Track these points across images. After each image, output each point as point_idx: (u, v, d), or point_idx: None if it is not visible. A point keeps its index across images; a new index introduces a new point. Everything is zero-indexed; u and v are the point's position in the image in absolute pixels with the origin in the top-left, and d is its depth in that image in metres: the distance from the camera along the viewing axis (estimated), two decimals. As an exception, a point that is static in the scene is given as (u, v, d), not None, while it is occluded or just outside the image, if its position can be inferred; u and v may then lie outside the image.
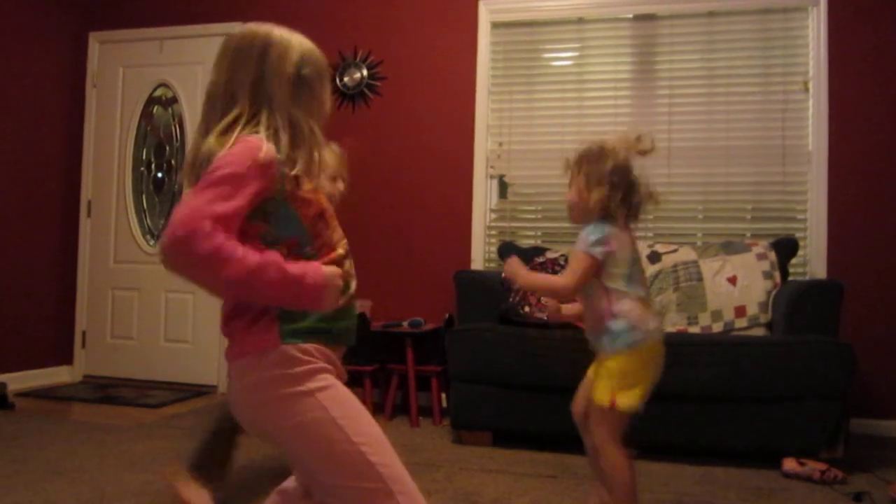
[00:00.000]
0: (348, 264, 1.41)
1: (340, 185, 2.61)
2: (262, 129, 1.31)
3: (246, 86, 1.34)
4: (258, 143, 1.27)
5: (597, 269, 2.12)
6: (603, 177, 2.16)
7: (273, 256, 1.25)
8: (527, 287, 2.14)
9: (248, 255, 1.21)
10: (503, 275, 2.14)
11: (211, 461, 2.45)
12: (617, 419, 2.11)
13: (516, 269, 2.20)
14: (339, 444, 1.28)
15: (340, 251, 1.40)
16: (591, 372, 2.28)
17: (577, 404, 2.29)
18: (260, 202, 1.28)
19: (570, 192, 2.23)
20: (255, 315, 1.31)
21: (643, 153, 2.24)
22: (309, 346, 1.31)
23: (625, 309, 2.12)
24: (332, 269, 1.31)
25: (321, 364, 1.32)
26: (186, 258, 1.17)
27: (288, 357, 1.29)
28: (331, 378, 1.33)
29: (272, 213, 1.31)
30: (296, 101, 1.37)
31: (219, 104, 1.35)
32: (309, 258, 1.33)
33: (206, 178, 1.23)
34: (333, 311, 1.34)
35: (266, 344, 1.29)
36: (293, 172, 1.31)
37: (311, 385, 1.30)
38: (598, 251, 2.11)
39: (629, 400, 2.09)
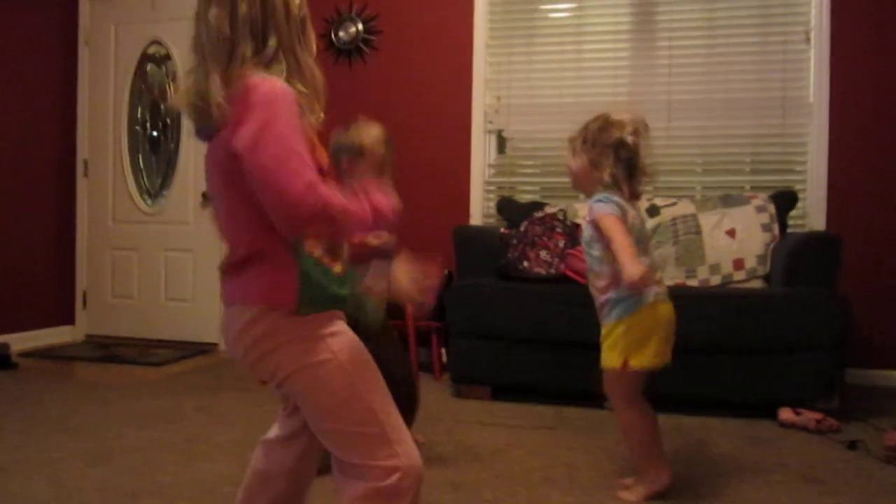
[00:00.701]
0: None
1: (387, 174, 2.50)
2: (277, 69, 1.28)
3: (257, 23, 1.29)
4: (282, 85, 1.25)
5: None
6: (609, 148, 2.18)
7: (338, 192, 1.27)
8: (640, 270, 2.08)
9: (338, 197, 1.25)
10: (631, 284, 2.06)
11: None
12: (630, 380, 2.20)
13: (637, 270, 2.05)
14: (344, 390, 1.30)
15: None
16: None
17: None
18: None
19: (575, 161, 2.25)
20: (276, 268, 1.29)
21: (643, 138, 2.24)
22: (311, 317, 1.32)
23: (615, 280, 2.16)
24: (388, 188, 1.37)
25: (331, 320, 1.34)
26: (314, 221, 1.22)
27: (302, 319, 1.31)
28: (342, 325, 1.35)
29: None
30: (300, 41, 1.34)
31: (224, 41, 1.29)
32: None
33: (269, 130, 1.19)
34: (341, 280, 1.35)
35: (283, 301, 1.28)
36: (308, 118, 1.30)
37: (322, 331, 1.31)
38: (619, 214, 2.15)
39: (641, 360, 2.16)
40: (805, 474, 2.43)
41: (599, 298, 2.24)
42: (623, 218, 2.15)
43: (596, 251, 2.22)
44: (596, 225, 2.18)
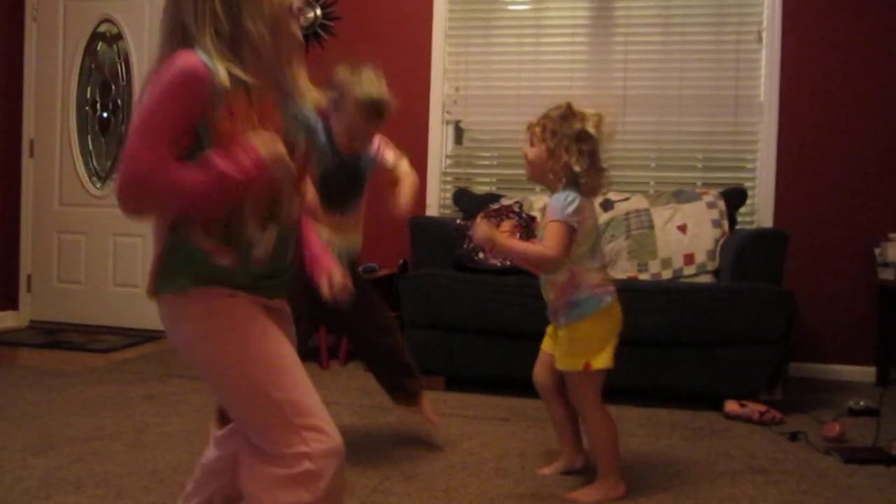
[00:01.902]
0: (260, 226, 1.34)
1: (372, 129, 2.53)
2: (204, 40, 1.24)
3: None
4: (192, 59, 1.22)
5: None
6: (569, 139, 2.14)
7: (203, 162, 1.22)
8: (509, 254, 2.13)
9: (181, 170, 1.21)
10: (474, 239, 2.12)
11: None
12: (594, 380, 2.19)
13: (492, 234, 2.16)
14: (238, 386, 1.30)
15: (248, 210, 1.32)
16: (546, 345, 2.35)
17: (540, 376, 2.37)
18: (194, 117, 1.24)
19: (532, 150, 2.21)
20: (155, 257, 1.34)
21: (604, 133, 2.25)
22: (192, 291, 1.30)
23: (587, 282, 2.16)
24: (265, 137, 1.25)
25: (219, 301, 1.30)
26: (136, 199, 1.24)
27: (172, 302, 1.32)
28: (228, 314, 1.31)
29: (198, 132, 1.25)
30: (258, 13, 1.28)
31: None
32: None
33: (139, 107, 1.23)
34: (234, 274, 1.31)
35: (150, 287, 1.34)
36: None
37: (209, 327, 1.30)
38: (575, 221, 2.12)
39: (602, 361, 2.16)
40: (749, 464, 2.50)
41: (556, 300, 2.21)
42: (580, 220, 2.12)
43: None
44: (546, 224, 2.18)
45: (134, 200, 1.23)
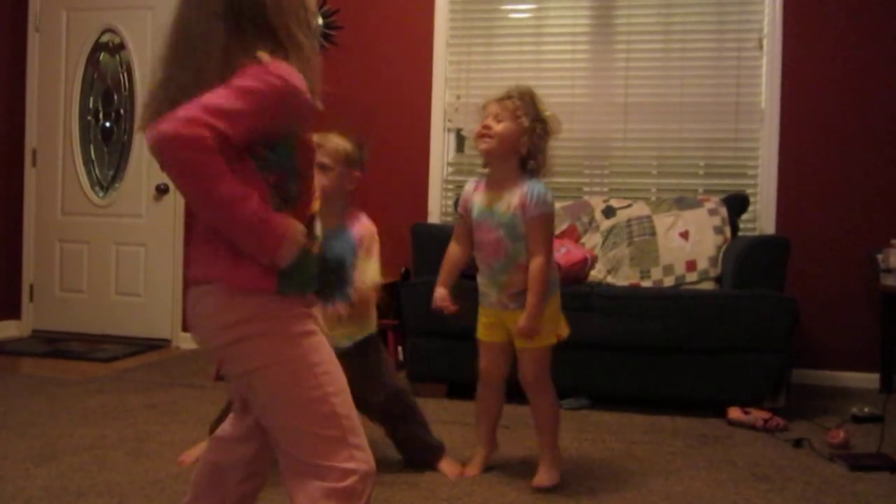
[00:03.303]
0: (318, 219, 1.39)
1: (325, 178, 2.40)
2: (285, 54, 1.27)
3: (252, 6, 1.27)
4: (290, 70, 1.24)
5: None
6: (538, 123, 2.19)
7: (253, 193, 1.22)
8: (542, 308, 2.18)
9: (234, 181, 1.19)
10: (523, 330, 2.17)
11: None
12: (549, 358, 2.28)
13: (535, 318, 2.17)
14: (311, 391, 1.29)
15: (315, 207, 1.37)
16: (491, 335, 2.35)
17: (497, 368, 2.37)
18: (271, 128, 1.25)
19: (502, 124, 2.18)
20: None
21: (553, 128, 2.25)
22: (299, 298, 1.32)
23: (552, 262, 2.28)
24: (298, 225, 1.28)
25: (306, 310, 1.33)
26: (175, 157, 1.17)
27: (276, 300, 1.28)
28: (313, 325, 1.34)
29: (276, 142, 1.27)
30: (297, 19, 1.34)
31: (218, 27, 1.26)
32: (291, 198, 1.29)
33: (229, 83, 1.20)
34: (319, 263, 1.35)
35: (262, 286, 1.27)
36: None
37: (296, 329, 1.30)
38: (553, 211, 2.22)
39: (565, 328, 2.30)
40: (752, 472, 2.49)
41: (522, 286, 2.21)
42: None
43: (524, 237, 2.21)
44: (534, 214, 2.18)
45: (171, 162, 1.19)
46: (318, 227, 1.40)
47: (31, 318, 4.94)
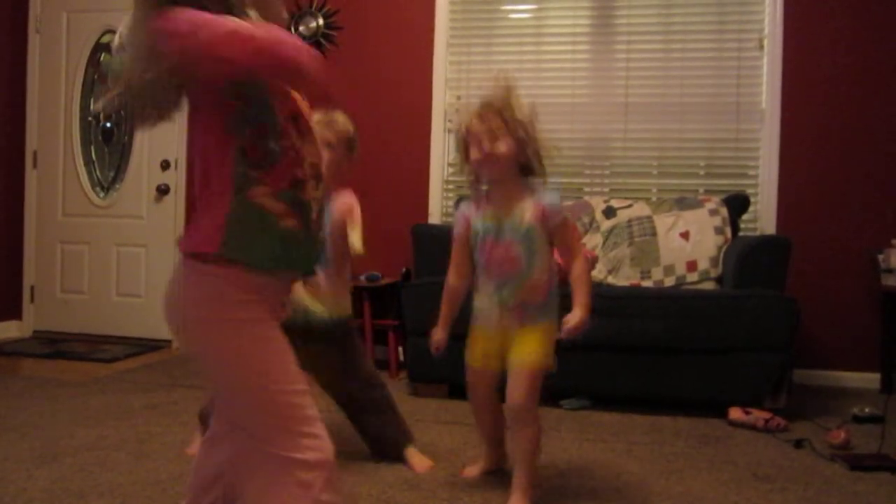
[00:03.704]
0: (315, 187, 1.34)
1: (326, 154, 2.50)
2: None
3: None
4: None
5: None
6: (525, 125, 2.09)
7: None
8: (591, 305, 2.08)
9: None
10: (569, 333, 2.03)
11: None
12: (541, 382, 2.11)
13: (583, 321, 2.04)
14: (259, 379, 1.28)
15: (307, 167, 1.31)
16: (485, 362, 2.21)
17: (486, 393, 2.25)
18: (239, 82, 1.22)
19: (503, 145, 2.07)
20: (214, 215, 1.25)
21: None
22: (252, 276, 1.27)
23: (555, 281, 2.17)
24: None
25: (257, 297, 1.29)
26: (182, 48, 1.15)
27: (229, 280, 1.26)
28: (264, 312, 1.31)
29: (249, 95, 1.24)
30: None
31: None
32: (271, 153, 1.26)
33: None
34: (293, 236, 1.29)
35: (209, 248, 1.24)
36: None
37: (242, 315, 1.28)
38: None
39: (554, 362, 2.15)
40: (753, 472, 2.49)
41: (531, 299, 2.12)
42: None
43: (539, 251, 2.12)
44: (558, 222, 2.11)
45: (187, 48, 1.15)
46: (315, 207, 1.34)
47: (31, 318, 4.95)
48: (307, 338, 2.39)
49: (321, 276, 2.42)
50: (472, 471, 2.38)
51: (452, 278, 2.29)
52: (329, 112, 2.44)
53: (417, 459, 2.47)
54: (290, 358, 1.33)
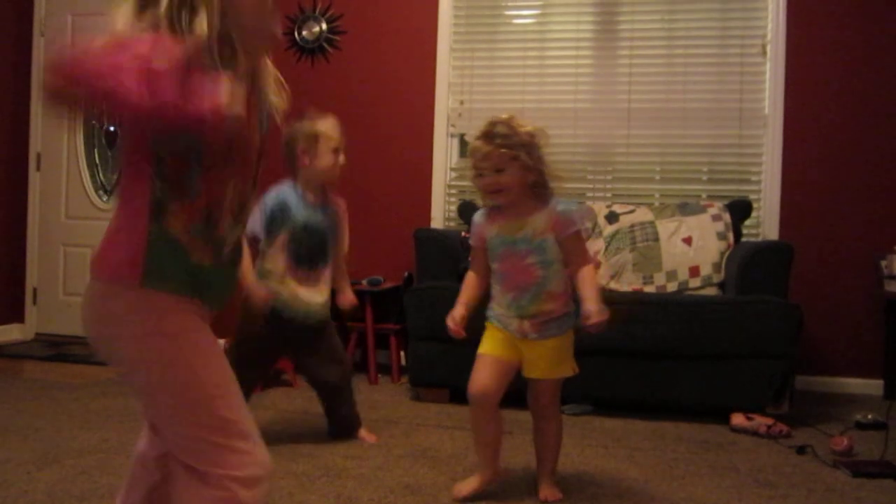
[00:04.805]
0: (232, 224, 1.28)
1: (342, 158, 2.70)
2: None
3: None
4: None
5: None
6: (529, 148, 2.11)
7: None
8: (601, 300, 2.12)
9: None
10: (592, 324, 2.06)
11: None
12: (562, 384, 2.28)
13: (600, 311, 2.07)
14: (191, 393, 1.23)
15: (227, 203, 1.25)
16: (500, 351, 2.23)
17: (494, 386, 2.22)
18: None
19: (504, 175, 2.11)
20: (131, 240, 1.20)
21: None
22: (173, 297, 1.23)
23: (571, 290, 2.22)
24: (233, 87, 1.09)
25: (182, 305, 1.25)
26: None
27: (148, 296, 1.21)
28: (190, 321, 1.25)
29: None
30: None
31: None
32: (189, 189, 1.20)
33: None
34: (201, 271, 1.24)
35: (129, 277, 1.19)
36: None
37: (170, 326, 1.22)
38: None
39: (576, 365, 2.28)
40: (756, 478, 2.48)
41: (551, 311, 2.18)
42: None
43: (555, 262, 2.17)
44: (571, 233, 2.15)
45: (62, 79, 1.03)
46: (228, 244, 1.27)
47: (34, 321, 4.95)
48: (300, 329, 2.68)
49: (325, 271, 2.73)
50: (464, 489, 2.25)
51: (472, 276, 2.33)
52: (322, 117, 2.66)
53: (366, 434, 2.82)
54: (224, 368, 1.28)
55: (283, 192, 2.64)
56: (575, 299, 2.20)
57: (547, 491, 2.25)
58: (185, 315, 1.24)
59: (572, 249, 2.17)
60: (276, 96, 1.32)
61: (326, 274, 2.75)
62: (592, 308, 2.07)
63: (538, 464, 2.32)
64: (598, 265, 3.66)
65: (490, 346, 2.26)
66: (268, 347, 2.73)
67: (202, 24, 1.16)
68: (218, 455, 1.22)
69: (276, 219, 2.63)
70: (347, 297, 2.85)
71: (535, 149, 2.13)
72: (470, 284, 2.31)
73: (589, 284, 2.15)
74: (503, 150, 2.10)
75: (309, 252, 2.68)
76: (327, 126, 2.67)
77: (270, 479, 1.27)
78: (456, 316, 2.21)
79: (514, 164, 2.11)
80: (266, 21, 1.29)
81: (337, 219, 2.78)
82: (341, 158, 2.69)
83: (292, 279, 2.66)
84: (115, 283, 1.22)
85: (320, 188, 2.71)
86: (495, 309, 2.27)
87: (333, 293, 2.83)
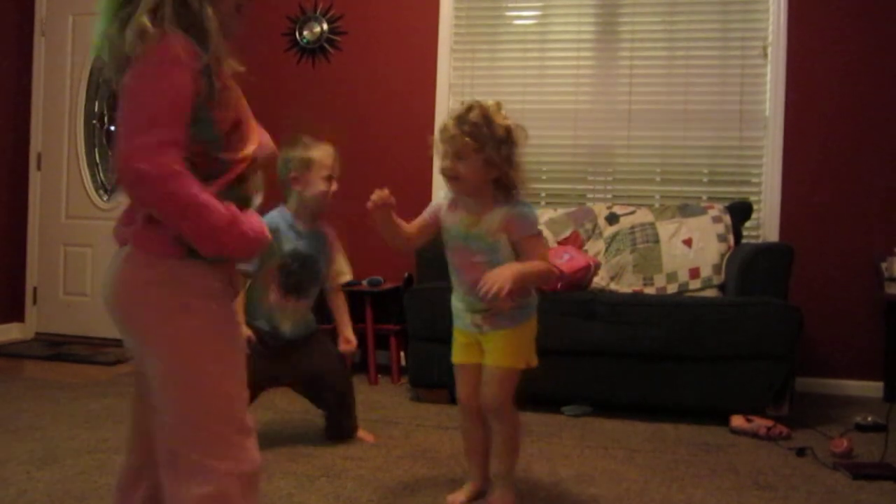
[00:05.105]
0: (256, 181, 1.35)
1: (334, 186, 2.70)
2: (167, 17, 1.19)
3: None
4: (179, 40, 1.19)
5: None
6: (500, 143, 2.00)
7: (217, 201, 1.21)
8: (523, 283, 2.00)
9: (201, 191, 1.18)
10: (484, 292, 1.92)
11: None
12: (518, 380, 2.14)
13: (504, 275, 1.93)
14: (204, 374, 1.25)
15: (248, 165, 1.32)
16: (467, 356, 2.21)
17: (472, 393, 2.18)
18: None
19: (466, 165, 2.02)
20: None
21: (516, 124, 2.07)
22: (209, 266, 1.27)
23: (533, 290, 2.18)
24: (258, 221, 1.28)
25: (217, 283, 1.28)
26: (151, 196, 1.18)
27: (186, 266, 1.25)
28: (221, 307, 1.29)
29: (194, 118, 1.23)
30: None
31: None
32: (219, 164, 1.26)
33: (142, 77, 1.18)
34: None
35: (172, 252, 1.25)
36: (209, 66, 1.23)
37: (202, 303, 1.26)
38: (538, 228, 2.15)
39: (535, 357, 2.17)
40: (755, 480, 2.48)
41: (502, 307, 2.06)
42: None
43: (506, 261, 2.05)
44: (523, 236, 2.06)
45: (149, 202, 1.20)
46: (257, 198, 1.36)
47: (34, 321, 4.95)
48: (299, 344, 2.69)
49: (299, 302, 2.70)
50: (457, 498, 2.21)
51: (409, 226, 2.20)
52: (314, 143, 2.67)
53: (364, 434, 2.82)
54: (241, 361, 1.31)
55: (273, 219, 2.60)
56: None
57: (496, 496, 2.14)
58: (216, 301, 1.28)
59: (529, 252, 2.06)
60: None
61: (309, 304, 2.74)
62: (497, 272, 1.94)
63: (492, 468, 2.18)
64: (598, 266, 3.66)
65: (457, 355, 2.25)
66: (259, 370, 2.63)
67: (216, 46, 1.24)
68: (217, 445, 1.22)
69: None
70: (348, 342, 2.78)
71: (507, 146, 2.02)
72: (404, 224, 2.18)
73: (528, 265, 2.02)
74: (468, 140, 2.01)
75: (297, 281, 2.65)
76: (321, 153, 2.64)
77: (259, 478, 1.28)
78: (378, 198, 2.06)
79: (476, 155, 2.01)
80: (235, 18, 1.33)
81: (327, 247, 2.75)
82: (333, 186, 2.67)
83: (280, 308, 2.64)
84: (160, 255, 1.25)
85: (311, 215, 2.70)
86: (454, 302, 2.22)
87: (334, 335, 2.81)
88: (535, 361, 2.17)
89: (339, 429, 2.80)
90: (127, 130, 1.17)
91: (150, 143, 1.14)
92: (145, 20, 1.18)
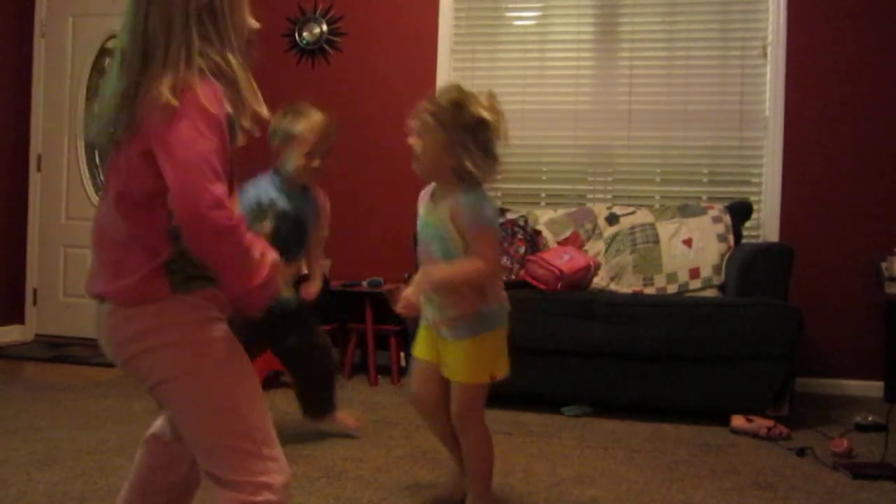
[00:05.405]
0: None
1: (317, 162, 2.63)
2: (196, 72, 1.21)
3: (166, 24, 1.22)
4: (217, 90, 1.20)
5: None
6: (466, 131, 1.90)
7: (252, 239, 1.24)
8: (445, 285, 1.93)
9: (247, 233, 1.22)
10: (402, 301, 1.91)
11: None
12: (484, 395, 2.03)
13: (424, 279, 1.91)
14: (221, 402, 1.27)
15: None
16: (424, 353, 2.11)
17: (425, 389, 2.11)
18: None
19: (423, 143, 1.98)
20: (147, 265, 1.24)
21: (499, 114, 1.94)
22: (198, 295, 1.26)
23: (495, 291, 2.01)
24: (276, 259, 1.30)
25: (214, 313, 1.29)
26: (221, 246, 1.20)
27: (181, 305, 1.25)
28: (223, 329, 1.30)
29: None
30: (216, 35, 1.25)
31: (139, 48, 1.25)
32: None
33: (182, 122, 1.17)
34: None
35: (159, 293, 1.24)
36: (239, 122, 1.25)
37: (199, 335, 1.26)
38: (497, 224, 1.98)
39: (505, 368, 2.03)
40: (756, 480, 2.48)
41: (463, 311, 1.96)
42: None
43: (459, 256, 1.93)
44: (469, 230, 1.91)
45: (212, 248, 1.20)
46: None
47: (34, 322, 4.95)
48: (279, 318, 2.50)
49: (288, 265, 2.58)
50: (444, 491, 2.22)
51: None
52: (304, 107, 2.62)
53: (345, 416, 2.84)
54: (250, 375, 1.32)
55: (261, 184, 2.60)
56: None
57: None
58: (212, 324, 1.28)
59: (473, 248, 1.91)
60: (256, 102, 1.31)
61: (297, 267, 2.73)
62: (425, 274, 1.91)
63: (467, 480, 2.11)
64: (597, 266, 3.66)
65: (417, 348, 2.14)
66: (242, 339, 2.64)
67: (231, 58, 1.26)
68: (243, 462, 1.25)
69: (255, 211, 2.55)
70: (312, 288, 2.73)
71: (476, 134, 1.90)
72: None
73: (452, 266, 1.93)
74: (428, 118, 1.94)
75: (285, 241, 2.55)
76: (305, 128, 2.58)
77: (289, 487, 1.30)
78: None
79: (433, 136, 1.94)
80: (246, 15, 1.33)
81: (317, 208, 2.74)
82: (316, 162, 2.61)
83: None
84: (142, 302, 1.24)
85: (297, 183, 2.66)
86: (422, 297, 2.04)
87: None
88: (502, 372, 2.02)
89: (319, 401, 2.80)
90: (192, 179, 1.14)
91: (220, 195, 1.16)
92: (181, 67, 1.19)
